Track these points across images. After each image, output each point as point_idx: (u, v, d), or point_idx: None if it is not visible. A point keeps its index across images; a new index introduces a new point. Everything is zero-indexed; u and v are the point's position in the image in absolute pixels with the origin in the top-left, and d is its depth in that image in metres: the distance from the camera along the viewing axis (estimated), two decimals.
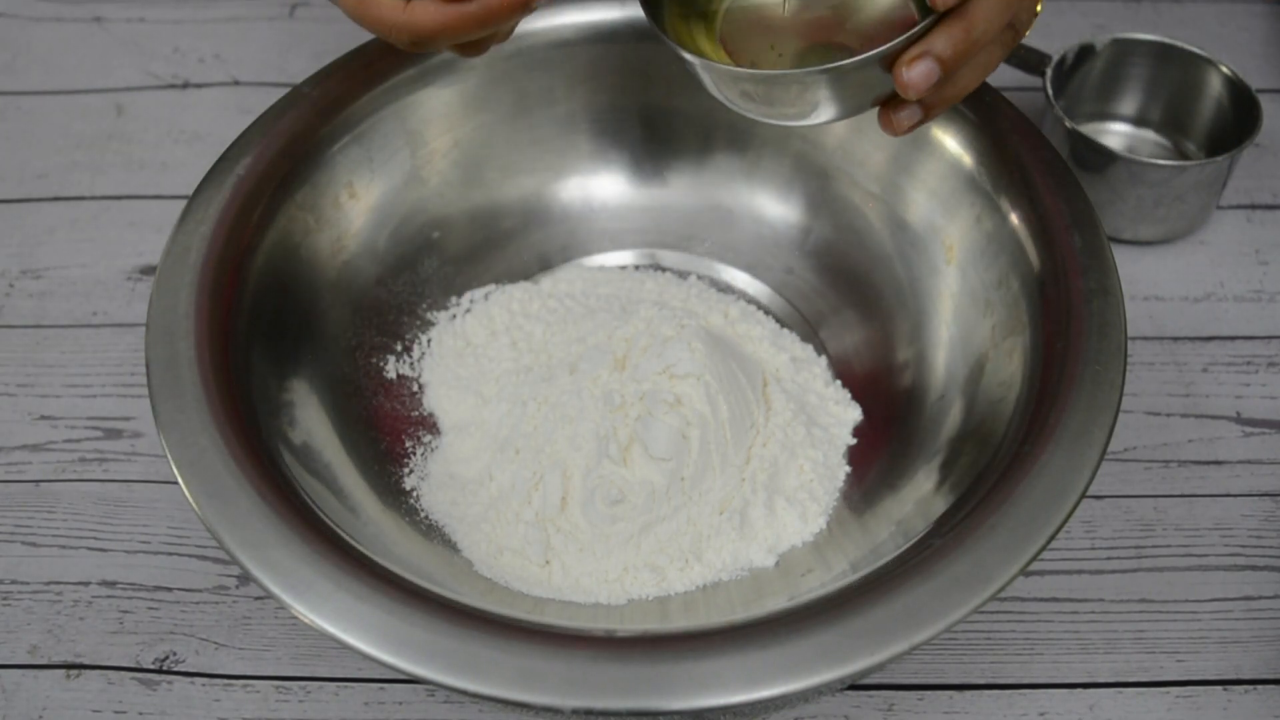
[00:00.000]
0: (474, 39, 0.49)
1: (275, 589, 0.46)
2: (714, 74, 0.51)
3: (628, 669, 0.44)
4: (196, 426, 0.50)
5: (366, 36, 0.65)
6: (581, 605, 0.54)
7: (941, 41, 0.47)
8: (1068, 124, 0.70)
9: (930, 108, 0.50)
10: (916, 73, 0.47)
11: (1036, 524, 0.47)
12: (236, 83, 0.83)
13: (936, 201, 0.62)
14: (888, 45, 0.47)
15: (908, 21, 0.52)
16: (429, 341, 0.65)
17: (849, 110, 0.51)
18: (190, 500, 0.48)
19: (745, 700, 0.43)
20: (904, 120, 0.50)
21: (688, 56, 0.50)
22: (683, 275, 0.68)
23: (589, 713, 0.44)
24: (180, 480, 0.48)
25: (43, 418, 0.66)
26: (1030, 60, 0.74)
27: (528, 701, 0.43)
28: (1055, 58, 0.74)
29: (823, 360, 0.64)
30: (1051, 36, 0.83)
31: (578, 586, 0.55)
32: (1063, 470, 0.48)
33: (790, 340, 0.65)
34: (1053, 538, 0.47)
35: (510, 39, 0.64)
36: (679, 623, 0.53)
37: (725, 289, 0.67)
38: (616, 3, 0.65)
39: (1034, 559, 0.46)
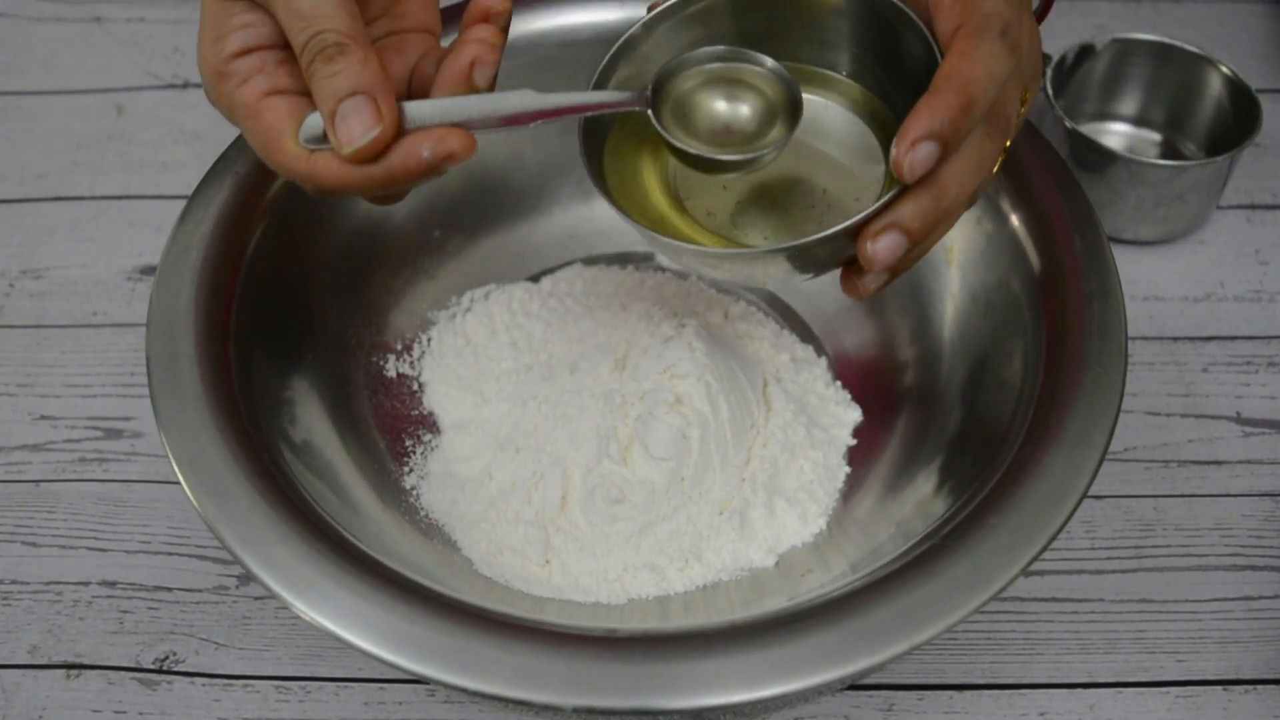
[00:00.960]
0: (388, 193, 0.47)
1: (275, 586, 0.46)
2: (665, 249, 0.48)
3: (628, 668, 0.44)
4: (197, 424, 0.50)
5: None
6: (581, 604, 0.54)
7: (910, 211, 0.44)
8: (1068, 124, 0.70)
9: (897, 271, 0.47)
10: (882, 247, 0.44)
11: (1036, 525, 0.47)
12: None
13: None
14: (851, 221, 0.44)
15: (872, 159, 0.49)
16: (429, 340, 0.65)
17: (810, 275, 0.48)
18: (190, 497, 0.48)
19: (745, 700, 0.44)
20: (869, 285, 0.47)
21: (639, 228, 0.47)
22: (683, 275, 0.68)
23: (590, 711, 0.44)
24: (180, 477, 0.48)
25: (43, 418, 0.66)
26: None
27: (528, 700, 0.43)
28: (1055, 58, 0.74)
29: (823, 361, 0.64)
30: (1052, 36, 0.83)
31: (577, 586, 0.55)
32: (1063, 472, 0.48)
33: (790, 341, 0.65)
34: (1053, 539, 0.47)
35: (517, 38, 0.64)
36: (679, 622, 0.53)
37: (726, 289, 0.67)
38: (621, 3, 0.65)
39: (1034, 560, 0.46)
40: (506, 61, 0.65)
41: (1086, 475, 0.48)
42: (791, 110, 0.48)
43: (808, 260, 0.47)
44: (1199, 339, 0.68)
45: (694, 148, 0.48)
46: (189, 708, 0.56)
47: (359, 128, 0.43)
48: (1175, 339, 0.68)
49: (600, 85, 0.50)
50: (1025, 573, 0.48)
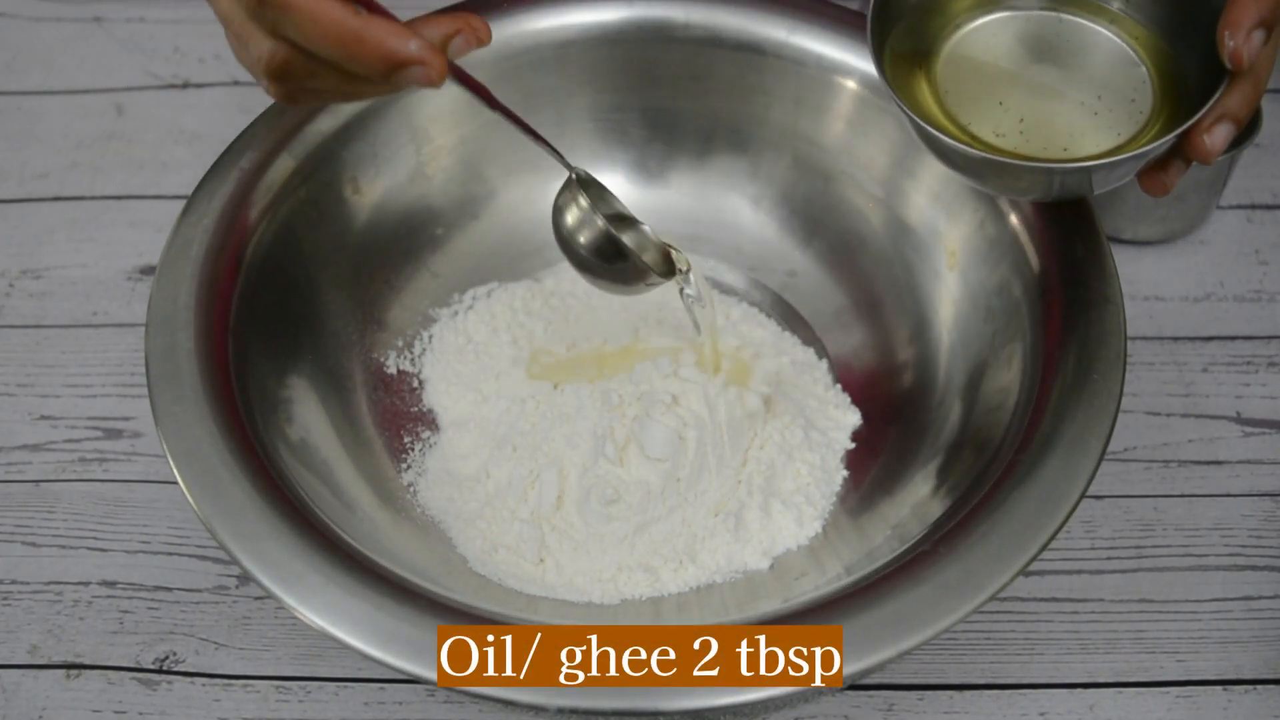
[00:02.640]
0: (323, 54, 0.43)
1: (267, 582, 0.46)
2: (993, 166, 0.50)
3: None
4: (194, 419, 0.50)
5: None
6: (574, 604, 0.54)
7: (1236, 100, 0.47)
8: None
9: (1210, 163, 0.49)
10: (1218, 138, 0.47)
11: (1029, 532, 0.47)
12: (236, 83, 0.83)
13: (939, 205, 0.62)
14: (1195, 118, 0.46)
15: (1128, 65, 0.52)
16: (430, 337, 0.65)
17: (1109, 186, 0.51)
18: (186, 493, 0.48)
19: (732, 702, 0.44)
20: (1174, 178, 0.50)
21: (960, 146, 0.49)
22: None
23: (574, 712, 0.44)
24: (176, 473, 0.48)
25: (43, 418, 0.66)
26: None
27: (512, 700, 0.43)
28: None
29: (824, 364, 0.64)
30: None
31: (571, 585, 0.55)
32: (1057, 478, 0.48)
33: (791, 343, 0.65)
34: (1045, 546, 0.47)
35: (516, 39, 0.65)
36: (671, 624, 0.53)
37: (727, 290, 0.67)
38: (621, 3, 0.65)
39: (1025, 567, 0.46)
40: (506, 61, 0.65)
41: (1081, 482, 0.48)
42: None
43: (1124, 169, 0.49)
44: (1199, 339, 0.68)
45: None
46: (189, 708, 0.56)
47: None
48: (1175, 339, 0.68)
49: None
50: (1025, 573, 0.48)
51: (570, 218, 0.53)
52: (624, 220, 0.57)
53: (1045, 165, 0.50)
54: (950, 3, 0.54)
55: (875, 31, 0.51)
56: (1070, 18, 0.54)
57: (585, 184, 0.54)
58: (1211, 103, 0.47)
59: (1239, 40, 0.45)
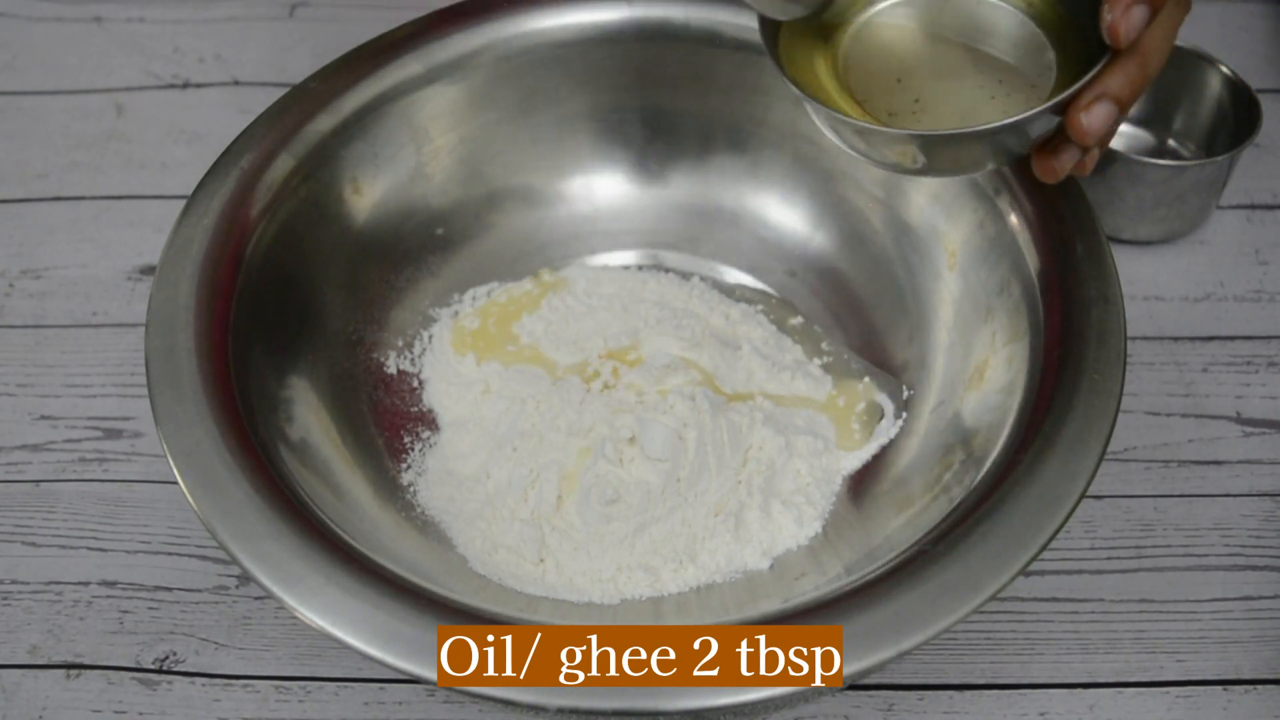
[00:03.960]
0: None
1: (266, 581, 0.46)
2: (856, 131, 0.49)
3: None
4: (193, 418, 0.50)
5: (367, 36, 0.65)
6: (574, 604, 0.54)
7: (1118, 80, 0.45)
8: None
9: (1102, 144, 0.48)
10: (1095, 117, 0.45)
11: (1029, 532, 0.47)
12: (236, 83, 0.83)
13: (939, 205, 0.62)
14: (1066, 93, 0.45)
15: (1038, 50, 0.50)
16: (430, 338, 0.65)
17: (997, 163, 0.49)
18: (185, 492, 0.48)
19: (730, 702, 0.44)
20: (1065, 163, 0.48)
21: (838, 117, 0.48)
22: (685, 276, 0.68)
23: (574, 712, 0.44)
24: (175, 472, 0.48)
25: (43, 418, 0.66)
26: None
27: (512, 700, 0.43)
28: None
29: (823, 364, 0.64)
30: None
31: (571, 585, 0.55)
32: (1057, 479, 0.48)
33: (791, 343, 0.65)
34: (1045, 547, 0.47)
35: (516, 39, 0.65)
36: (671, 624, 0.53)
37: (727, 290, 0.67)
38: (621, 3, 0.65)
39: (1025, 567, 0.46)
40: (506, 61, 0.65)
41: (1081, 482, 0.48)
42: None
43: (1013, 141, 0.47)
44: (1199, 339, 0.68)
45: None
46: (189, 708, 0.56)
47: None
48: (1175, 339, 0.68)
49: None
50: (1025, 573, 0.48)
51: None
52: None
53: (904, 132, 0.48)
54: None
55: (765, 31, 0.50)
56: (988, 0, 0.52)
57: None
58: (1087, 79, 0.45)
59: (1117, 14, 0.44)
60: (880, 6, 0.53)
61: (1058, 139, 0.47)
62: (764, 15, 0.50)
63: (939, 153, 0.49)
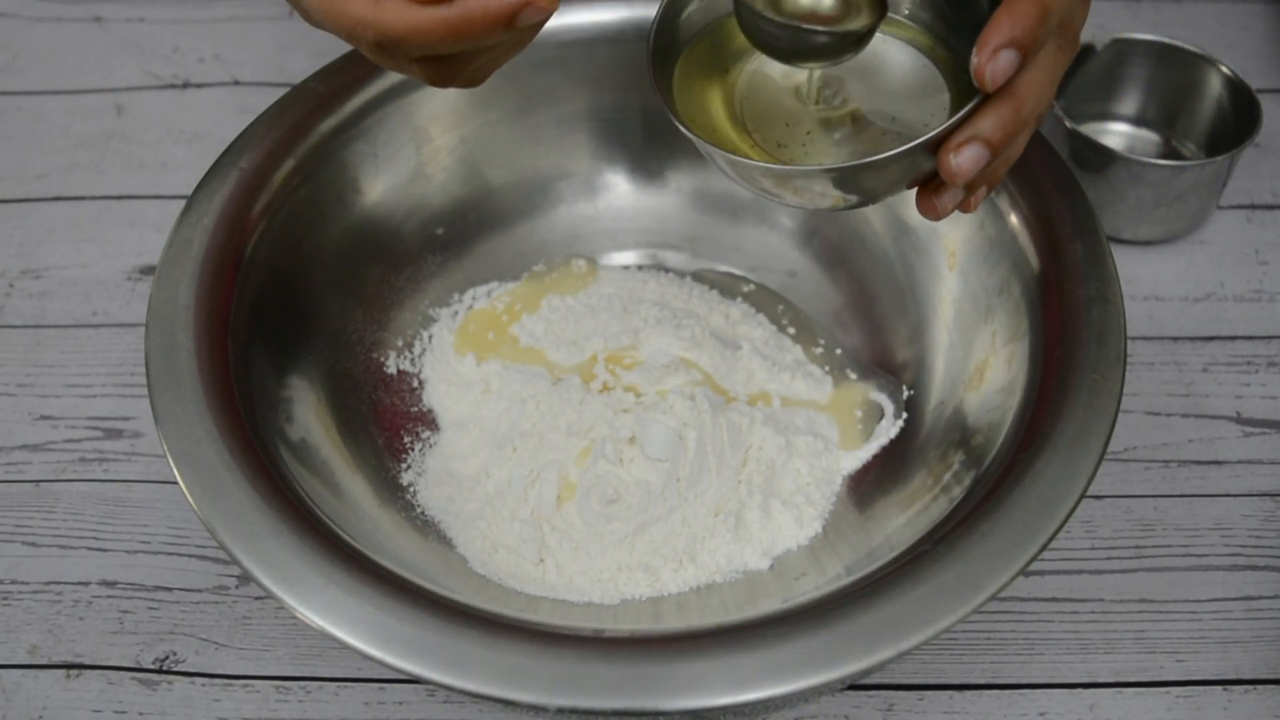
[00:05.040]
0: (450, 51, 0.44)
1: (266, 581, 0.46)
2: (736, 167, 0.47)
3: (614, 669, 0.44)
4: (193, 418, 0.50)
5: None
6: (574, 604, 0.54)
7: (990, 123, 0.44)
8: (1068, 124, 0.70)
9: (974, 186, 0.47)
10: (965, 159, 0.44)
11: (1029, 532, 0.47)
12: (236, 83, 0.83)
13: None
14: (933, 132, 0.44)
15: (935, 90, 0.50)
16: (430, 338, 0.65)
17: (881, 197, 0.48)
18: (185, 491, 0.48)
19: (731, 702, 0.44)
20: (947, 203, 0.47)
21: (713, 150, 0.47)
22: (685, 276, 0.68)
23: (574, 711, 0.44)
24: (175, 471, 0.48)
25: (43, 418, 0.66)
26: None
27: (513, 699, 0.43)
28: None
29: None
30: None
31: (571, 585, 0.55)
32: (1057, 478, 0.48)
33: (791, 343, 0.65)
34: (1045, 546, 0.47)
35: None
36: (671, 624, 0.53)
37: (727, 291, 0.67)
38: (621, 3, 0.65)
39: (1025, 567, 0.46)
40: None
41: (1081, 482, 0.48)
42: (878, 2, 0.48)
43: (883, 179, 0.46)
44: (1199, 339, 0.68)
45: (781, 19, 0.47)
46: (189, 708, 0.56)
47: None
48: (1175, 339, 0.68)
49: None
50: (1025, 573, 0.48)
51: (753, 31, 0.49)
52: None
53: (779, 168, 0.47)
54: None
55: (658, 53, 0.49)
56: (887, 35, 0.51)
57: None
58: (954, 121, 0.44)
59: (983, 58, 0.43)
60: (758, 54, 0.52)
61: (938, 179, 0.46)
62: (653, 53, 0.49)
63: (812, 186, 0.48)
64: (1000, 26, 0.43)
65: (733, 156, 0.47)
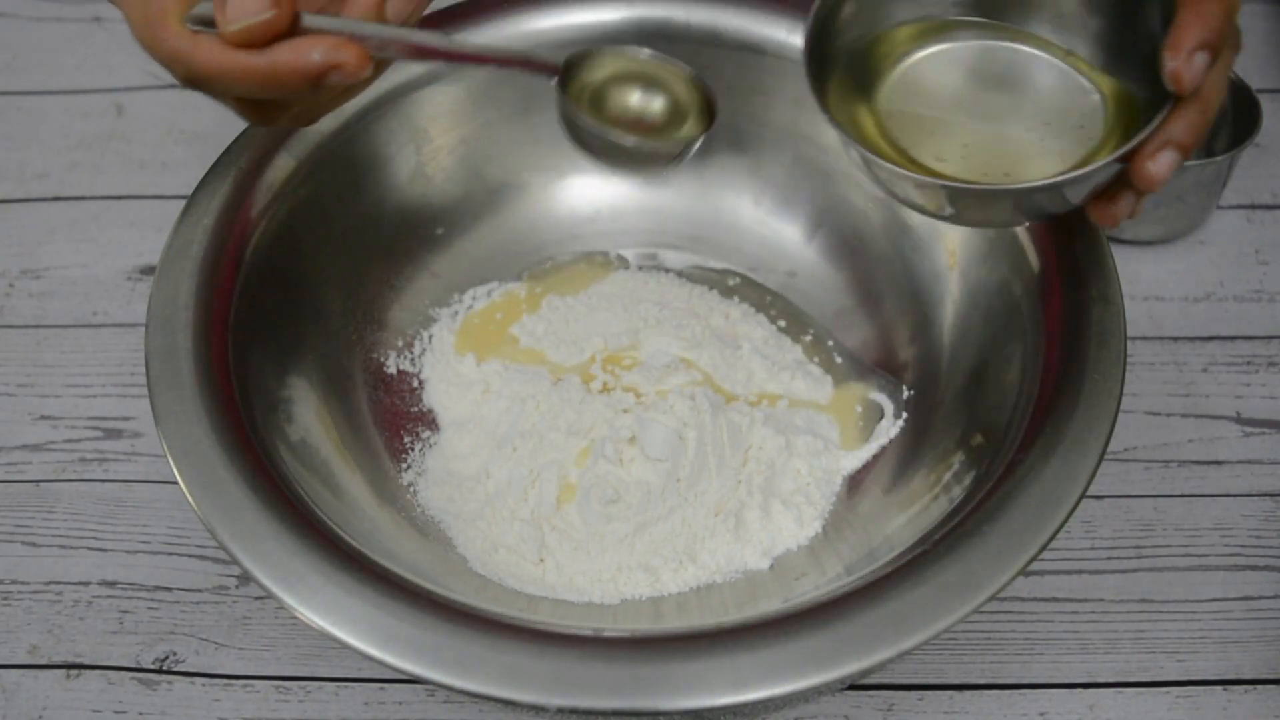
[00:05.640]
0: (260, 97, 0.45)
1: (266, 581, 0.46)
2: (913, 184, 0.48)
3: (614, 669, 0.44)
4: (194, 419, 0.50)
5: None
6: (574, 604, 0.54)
7: (1181, 127, 0.44)
8: None
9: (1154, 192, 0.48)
10: (1162, 165, 0.45)
11: (1028, 532, 0.47)
12: None
13: None
14: (1133, 142, 0.45)
15: (1081, 92, 0.50)
16: (430, 337, 0.65)
17: (1051, 212, 0.49)
18: (185, 491, 0.48)
19: (730, 702, 0.44)
20: (1124, 209, 0.47)
21: (890, 167, 0.47)
22: (685, 276, 0.68)
23: (574, 711, 0.44)
24: (175, 471, 0.48)
25: (43, 418, 0.66)
26: None
27: (513, 699, 0.43)
28: None
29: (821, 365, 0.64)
30: None
31: (571, 585, 0.55)
32: (1057, 479, 0.48)
33: (791, 343, 0.65)
34: (1045, 547, 0.47)
35: (516, 39, 0.64)
36: (671, 624, 0.53)
37: (727, 291, 0.67)
38: (622, 3, 0.65)
39: (1025, 567, 0.46)
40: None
41: (1081, 482, 0.48)
42: (706, 112, 0.50)
43: (1083, 190, 0.47)
44: (1199, 339, 0.68)
45: (615, 135, 0.48)
46: (189, 708, 0.56)
47: (251, 6, 0.42)
48: (1175, 339, 0.68)
49: (820, 17, 0.50)
50: (1025, 573, 0.48)
51: (569, 130, 0.50)
52: (635, 82, 0.51)
53: (972, 186, 0.48)
54: (890, 35, 0.53)
55: (813, 70, 0.50)
56: (1020, 47, 0.52)
57: (577, 67, 0.49)
58: (1152, 127, 0.45)
59: (1179, 62, 0.43)
60: (913, 60, 0.53)
61: (1116, 185, 0.47)
62: (809, 73, 0.49)
63: (1000, 203, 0.49)
64: (1191, 29, 0.43)
65: (919, 177, 0.47)
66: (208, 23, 0.44)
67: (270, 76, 0.44)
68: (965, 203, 0.49)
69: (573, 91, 0.48)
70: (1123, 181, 0.47)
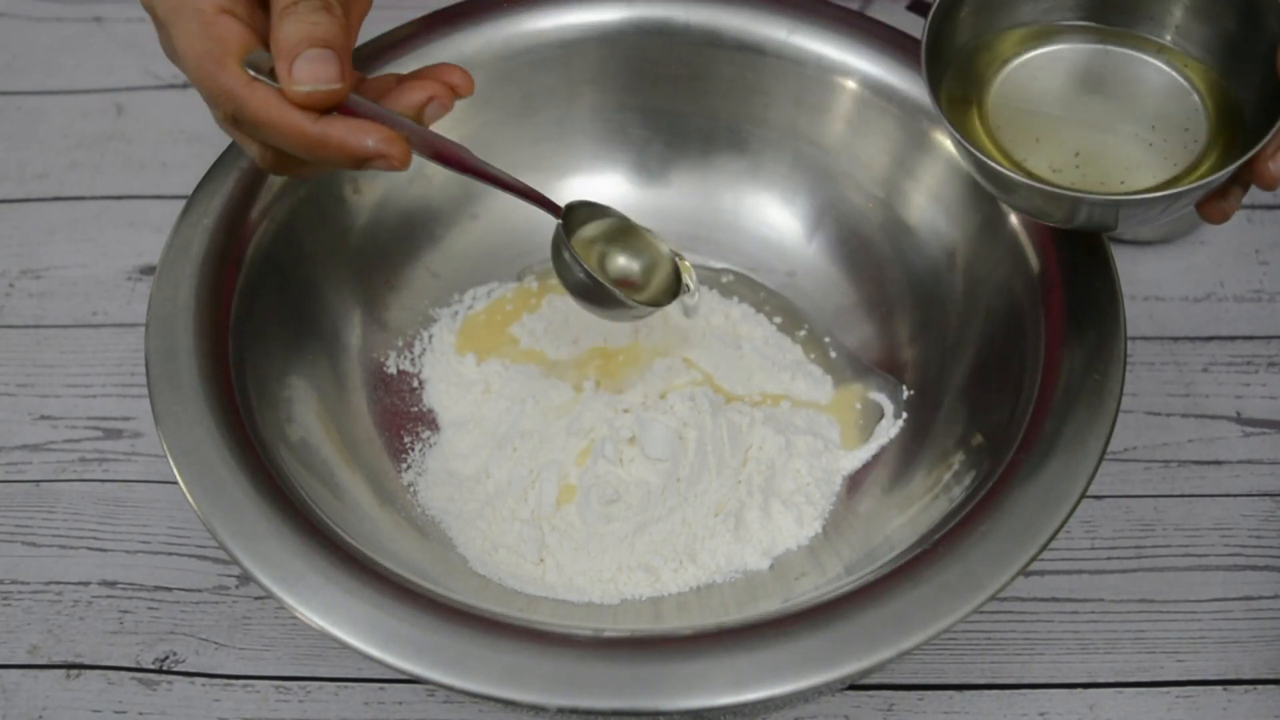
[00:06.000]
0: (294, 154, 0.46)
1: (266, 581, 0.46)
2: (1059, 200, 0.49)
3: (614, 669, 0.44)
4: (194, 419, 0.50)
5: (367, 36, 0.65)
6: (574, 604, 0.54)
7: None
8: None
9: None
10: None
11: (1029, 532, 0.47)
12: None
13: (939, 205, 0.62)
14: (1260, 145, 0.46)
15: (1181, 94, 0.52)
16: (430, 338, 0.65)
17: (1171, 216, 0.51)
18: (185, 491, 0.48)
19: (730, 702, 0.44)
20: (1234, 205, 0.49)
21: (1032, 184, 0.49)
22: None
23: (574, 711, 0.44)
24: (175, 471, 0.48)
25: (43, 418, 0.66)
26: None
27: (512, 699, 0.43)
28: None
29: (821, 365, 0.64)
30: None
31: (571, 585, 0.55)
32: (1057, 478, 0.48)
33: (791, 343, 0.65)
34: (1045, 546, 0.47)
35: (517, 39, 0.65)
36: (671, 624, 0.53)
37: (727, 291, 0.67)
38: (622, 3, 0.65)
39: (1025, 567, 0.46)
40: (506, 61, 0.65)
41: (1081, 482, 0.48)
42: (674, 286, 0.57)
43: (1196, 196, 0.49)
44: (1199, 339, 0.68)
45: (604, 283, 0.54)
46: (189, 708, 0.56)
47: (322, 74, 0.44)
48: (1175, 339, 0.68)
49: (937, 21, 0.52)
50: (1025, 573, 0.48)
51: (561, 266, 0.55)
52: (625, 238, 0.58)
53: (1112, 198, 0.49)
54: (997, 40, 0.54)
55: (930, 73, 0.51)
56: (1118, 49, 0.54)
57: (578, 214, 0.56)
58: (1276, 129, 0.46)
59: None
60: (1015, 64, 0.54)
61: (1227, 183, 0.49)
62: (932, 89, 0.51)
63: (1133, 212, 0.50)
64: None
65: (1061, 192, 0.49)
66: (265, 70, 0.45)
67: (318, 145, 0.45)
68: (1088, 211, 0.50)
69: (569, 229, 0.55)
70: (1233, 179, 0.48)
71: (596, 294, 0.54)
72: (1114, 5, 0.53)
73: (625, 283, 0.56)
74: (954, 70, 0.53)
